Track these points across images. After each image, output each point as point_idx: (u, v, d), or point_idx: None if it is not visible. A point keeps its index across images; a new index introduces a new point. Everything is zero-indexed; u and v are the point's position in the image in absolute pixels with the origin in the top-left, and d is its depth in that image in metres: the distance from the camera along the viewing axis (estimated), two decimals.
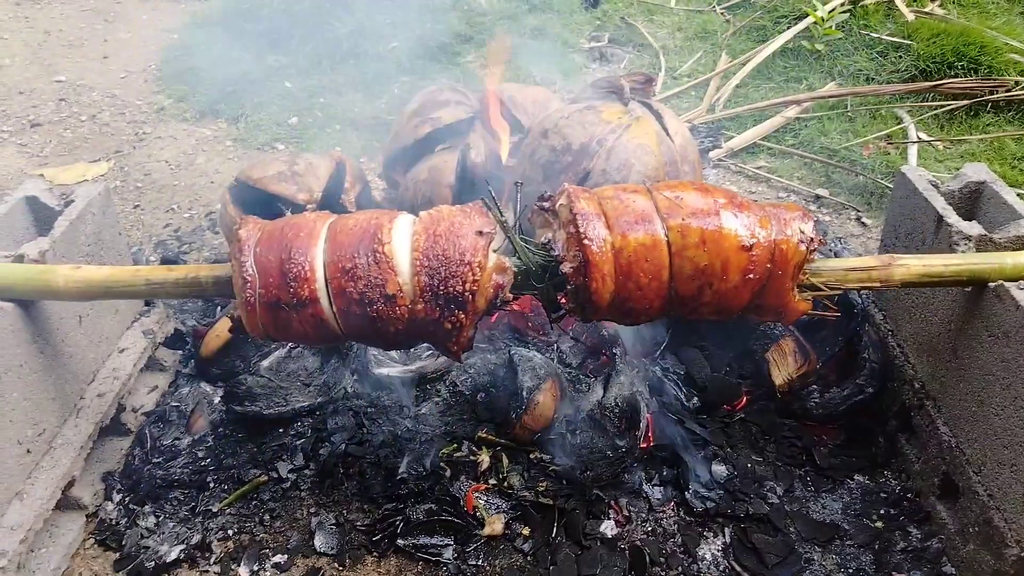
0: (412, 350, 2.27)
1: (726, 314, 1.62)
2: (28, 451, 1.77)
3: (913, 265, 1.63)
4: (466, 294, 1.51)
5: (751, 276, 1.54)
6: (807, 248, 1.56)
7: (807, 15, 4.17)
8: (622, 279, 1.52)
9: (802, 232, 1.56)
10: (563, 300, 1.58)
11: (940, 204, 1.89)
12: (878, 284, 1.63)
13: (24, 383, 1.75)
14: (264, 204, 2.33)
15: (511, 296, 1.59)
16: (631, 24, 4.67)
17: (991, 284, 1.63)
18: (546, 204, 1.61)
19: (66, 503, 1.87)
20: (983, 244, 1.77)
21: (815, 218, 1.61)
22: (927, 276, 1.64)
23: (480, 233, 1.53)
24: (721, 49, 4.32)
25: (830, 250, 2.62)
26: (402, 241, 1.54)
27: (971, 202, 1.99)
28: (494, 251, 1.58)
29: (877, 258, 1.65)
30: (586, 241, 1.50)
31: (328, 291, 1.54)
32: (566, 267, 1.53)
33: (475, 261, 1.51)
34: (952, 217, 1.83)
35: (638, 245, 1.51)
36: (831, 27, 4.07)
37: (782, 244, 1.55)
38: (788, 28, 4.22)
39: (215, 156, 3.66)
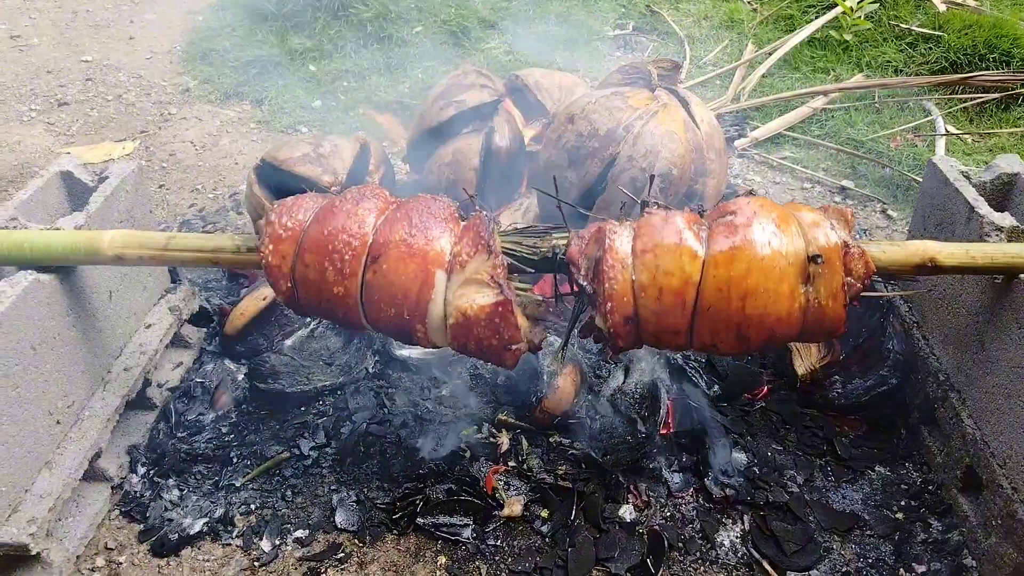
0: None
1: None
2: (58, 422, 1.81)
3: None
4: (505, 365, 1.59)
5: None
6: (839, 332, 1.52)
7: (836, 5, 4.12)
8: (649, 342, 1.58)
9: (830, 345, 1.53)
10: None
11: (971, 195, 1.87)
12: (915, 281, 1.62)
13: (57, 355, 1.78)
14: (289, 185, 2.34)
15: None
16: (656, 12, 4.64)
17: (1023, 276, 1.61)
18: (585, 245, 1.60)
19: (92, 474, 1.90)
20: (1015, 236, 1.74)
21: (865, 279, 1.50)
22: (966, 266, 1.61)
23: (510, 343, 1.53)
24: (747, 38, 4.28)
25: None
26: (437, 321, 1.55)
27: (1003, 194, 1.96)
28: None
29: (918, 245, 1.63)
30: (619, 345, 1.54)
31: (376, 330, 1.63)
32: (598, 320, 1.56)
33: (507, 355, 1.55)
34: (984, 208, 1.81)
35: (665, 331, 1.53)
36: (860, 17, 4.03)
37: (814, 316, 1.50)
38: (816, 18, 4.18)
39: (239, 138, 3.68)
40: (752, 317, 1.44)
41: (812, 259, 1.43)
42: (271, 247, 1.59)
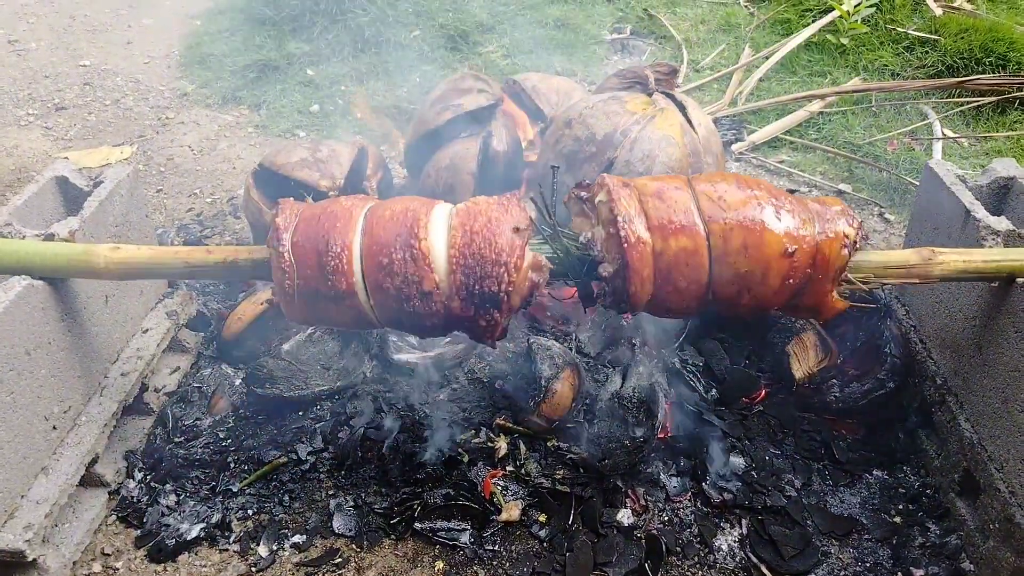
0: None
1: (762, 312, 1.62)
2: (54, 427, 1.80)
3: (952, 259, 1.62)
4: (501, 294, 1.52)
5: (791, 281, 1.52)
6: (849, 252, 1.54)
7: (833, 9, 4.13)
8: (661, 282, 1.51)
9: (845, 236, 1.53)
10: (600, 300, 1.59)
11: (968, 199, 1.87)
12: (917, 280, 1.62)
13: (52, 360, 1.78)
14: (287, 190, 2.34)
15: (547, 292, 1.60)
16: (654, 16, 4.65)
17: (1020, 280, 1.61)
18: (584, 194, 1.59)
19: (89, 480, 1.90)
20: (1011, 240, 1.75)
21: (858, 218, 1.59)
22: (966, 271, 1.62)
23: (517, 230, 1.51)
24: (745, 42, 4.29)
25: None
26: (439, 236, 1.53)
27: (999, 198, 1.97)
28: (531, 242, 1.59)
29: (917, 252, 1.63)
30: (626, 245, 1.47)
31: (365, 284, 1.55)
32: (605, 268, 1.52)
33: (511, 262, 1.50)
34: (980, 212, 1.81)
35: (679, 249, 1.48)
36: (857, 21, 4.03)
37: (824, 247, 1.52)
38: (813, 22, 4.19)
39: (237, 142, 3.68)
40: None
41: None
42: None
